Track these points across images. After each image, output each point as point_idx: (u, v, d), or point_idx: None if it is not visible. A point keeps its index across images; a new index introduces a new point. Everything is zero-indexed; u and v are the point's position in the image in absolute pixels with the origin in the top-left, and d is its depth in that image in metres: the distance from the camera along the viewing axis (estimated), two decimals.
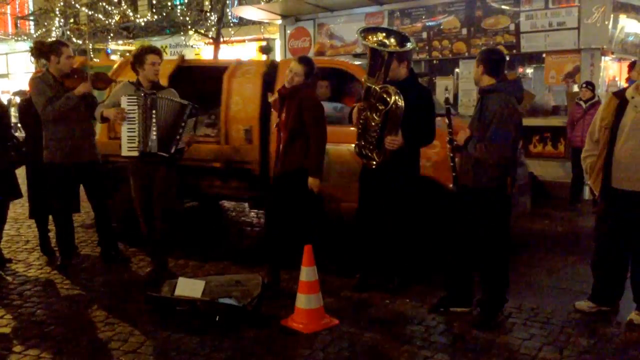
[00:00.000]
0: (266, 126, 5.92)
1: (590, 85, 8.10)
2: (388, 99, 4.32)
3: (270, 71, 6.16)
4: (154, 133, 4.85)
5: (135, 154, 4.89)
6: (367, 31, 4.53)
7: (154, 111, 4.86)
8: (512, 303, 4.36)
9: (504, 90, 3.99)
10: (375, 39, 4.40)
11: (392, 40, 4.42)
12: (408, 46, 4.42)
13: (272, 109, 5.35)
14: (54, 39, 21.10)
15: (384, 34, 4.47)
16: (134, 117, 4.85)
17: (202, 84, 6.38)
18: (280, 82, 5.46)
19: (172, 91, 5.16)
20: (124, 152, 4.93)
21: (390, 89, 4.33)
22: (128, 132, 4.88)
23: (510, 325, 4.13)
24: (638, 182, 4.02)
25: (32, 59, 5.71)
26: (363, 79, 4.50)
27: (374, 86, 4.38)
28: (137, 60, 5.00)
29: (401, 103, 4.29)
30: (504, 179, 4.01)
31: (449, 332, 4.04)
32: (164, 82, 5.69)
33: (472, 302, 4.32)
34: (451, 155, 4.19)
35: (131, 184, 5.13)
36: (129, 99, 4.88)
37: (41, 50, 5.33)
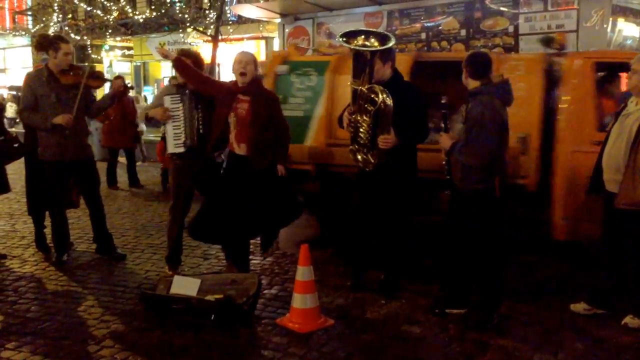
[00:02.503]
0: (549, 134, 4.93)
1: None
2: (376, 99, 4.33)
3: (552, 67, 5.18)
4: (200, 128, 4.92)
5: (181, 150, 4.95)
6: (348, 35, 4.53)
7: (198, 108, 4.91)
8: (507, 305, 4.36)
9: (487, 92, 4.03)
10: (356, 42, 4.41)
11: (373, 40, 4.43)
12: (389, 44, 4.43)
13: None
14: (51, 34, 21.08)
15: (363, 37, 4.47)
16: (178, 115, 4.93)
17: (441, 80, 5.50)
18: (570, 81, 4.98)
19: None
20: (170, 150, 4.99)
21: (377, 88, 4.34)
22: (174, 129, 4.96)
23: (506, 327, 4.13)
24: (611, 184, 4.13)
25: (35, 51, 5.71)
26: (349, 82, 4.50)
27: (360, 88, 4.39)
28: None
29: (389, 101, 4.30)
30: (491, 181, 4.04)
31: (444, 334, 4.03)
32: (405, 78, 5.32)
33: (468, 303, 4.32)
34: (446, 159, 4.22)
35: (174, 185, 5.12)
36: (172, 98, 4.96)
37: (42, 44, 5.32)
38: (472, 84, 4.12)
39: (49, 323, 4.15)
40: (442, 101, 4.24)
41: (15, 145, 5.72)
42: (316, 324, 4.07)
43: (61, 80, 5.24)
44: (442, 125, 4.22)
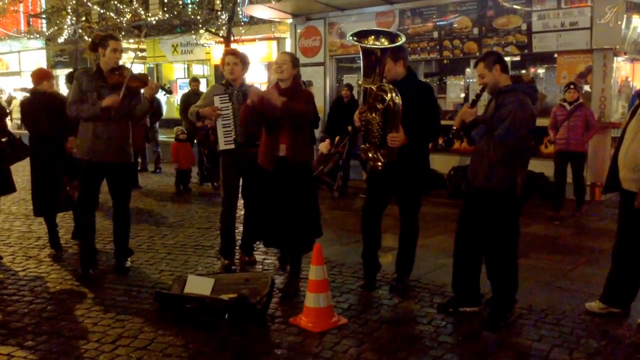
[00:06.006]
0: None
1: (576, 87, 8.06)
2: (385, 97, 4.33)
3: None
4: None
5: (232, 146, 5.28)
6: (358, 34, 4.53)
7: None
8: (522, 304, 4.34)
9: (520, 90, 4.00)
10: (366, 42, 4.42)
11: (383, 40, 4.44)
12: (398, 41, 4.43)
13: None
14: (65, 37, 21.29)
15: (374, 36, 4.48)
16: (228, 114, 5.28)
17: None
18: None
19: (254, 87, 5.53)
20: (221, 147, 5.33)
21: (386, 86, 4.35)
22: (224, 127, 5.31)
23: (520, 326, 4.12)
24: (627, 182, 4.10)
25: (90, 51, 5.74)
26: (360, 82, 4.50)
27: (370, 86, 4.40)
28: (221, 62, 5.46)
29: (398, 100, 4.30)
30: (514, 181, 4.01)
31: (458, 333, 4.03)
32: None
33: (481, 301, 4.31)
34: (455, 129, 4.21)
35: (223, 180, 5.48)
36: (221, 97, 5.30)
37: (94, 43, 5.27)
38: (505, 80, 4.09)
39: (65, 322, 4.19)
40: (473, 98, 4.22)
41: (19, 146, 5.77)
42: (329, 323, 4.08)
43: (108, 79, 5.18)
44: (474, 98, 4.16)
